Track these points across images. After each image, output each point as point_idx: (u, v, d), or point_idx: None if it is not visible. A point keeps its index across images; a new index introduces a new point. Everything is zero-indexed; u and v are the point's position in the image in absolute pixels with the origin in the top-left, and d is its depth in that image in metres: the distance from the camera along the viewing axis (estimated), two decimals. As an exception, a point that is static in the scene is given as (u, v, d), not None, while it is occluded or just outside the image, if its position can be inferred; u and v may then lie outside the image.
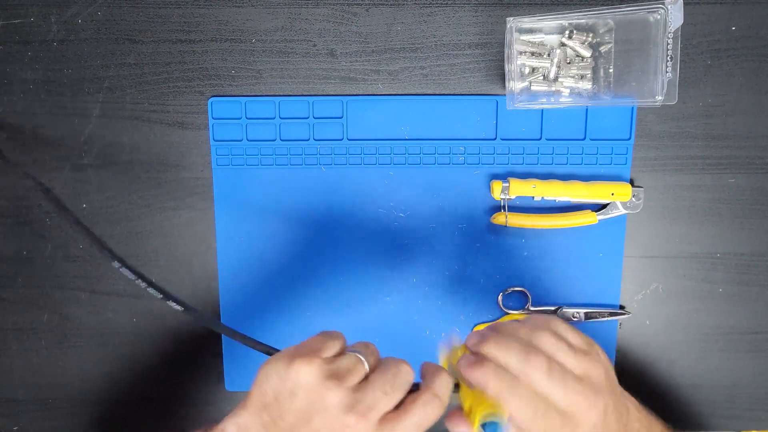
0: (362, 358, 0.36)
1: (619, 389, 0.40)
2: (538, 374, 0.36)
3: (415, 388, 0.37)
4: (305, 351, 0.35)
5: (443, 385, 0.36)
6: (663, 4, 0.47)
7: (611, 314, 0.55)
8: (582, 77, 0.51)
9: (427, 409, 0.35)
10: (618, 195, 0.53)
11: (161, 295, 0.40)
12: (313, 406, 0.34)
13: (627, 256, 0.55)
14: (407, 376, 0.36)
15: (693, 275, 0.56)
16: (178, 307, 0.40)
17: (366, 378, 0.35)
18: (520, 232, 0.55)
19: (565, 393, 0.36)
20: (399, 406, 0.35)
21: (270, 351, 0.38)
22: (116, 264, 0.40)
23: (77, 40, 0.53)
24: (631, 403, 0.41)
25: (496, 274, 0.55)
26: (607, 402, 0.37)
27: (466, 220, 0.55)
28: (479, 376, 0.36)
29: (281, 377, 0.34)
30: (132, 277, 0.40)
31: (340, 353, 0.36)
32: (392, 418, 0.34)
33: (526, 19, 0.49)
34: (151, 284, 0.40)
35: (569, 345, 0.38)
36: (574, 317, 0.55)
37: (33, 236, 0.55)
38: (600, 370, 0.38)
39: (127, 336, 0.57)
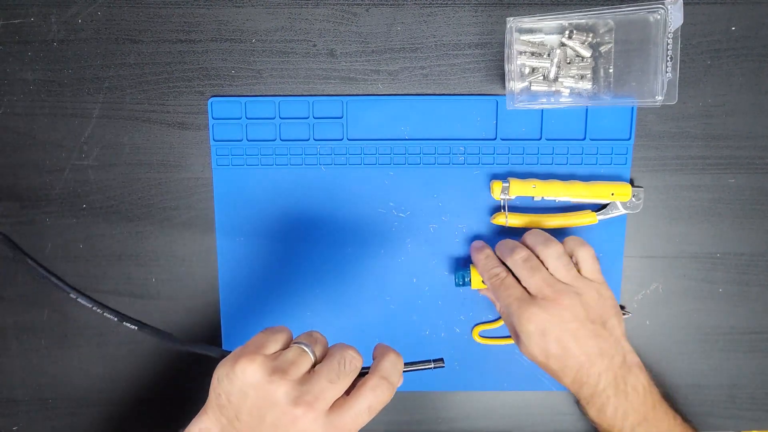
0: (306, 349, 0.36)
1: (623, 338, 0.47)
2: (515, 259, 0.48)
3: (366, 372, 0.37)
4: (248, 349, 0.35)
5: (391, 366, 0.37)
6: (663, 4, 0.47)
7: (611, 314, 0.55)
8: (582, 77, 0.51)
9: (376, 392, 0.35)
10: (618, 195, 0.53)
11: (116, 319, 0.41)
12: (263, 402, 0.34)
13: (627, 256, 0.55)
14: (353, 361, 0.36)
15: (693, 275, 0.56)
16: (134, 327, 0.41)
17: (314, 368, 0.36)
18: (520, 232, 0.55)
19: (532, 278, 0.46)
20: (349, 392, 0.36)
21: (223, 354, 0.38)
22: (73, 295, 0.41)
23: (77, 40, 0.53)
24: (633, 360, 0.46)
25: (496, 274, 0.55)
26: (583, 314, 0.45)
27: (466, 220, 0.55)
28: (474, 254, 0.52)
29: (229, 379, 0.35)
30: (90, 304, 0.41)
31: (285, 347, 0.37)
32: (341, 404, 0.35)
33: (526, 19, 0.49)
34: (105, 307, 0.41)
35: (572, 263, 0.48)
36: (574, 317, 0.55)
37: (33, 236, 0.55)
38: (590, 290, 0.46)
39: (127, 336, 0.57)
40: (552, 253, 0.47)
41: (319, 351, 0.37)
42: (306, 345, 0.37)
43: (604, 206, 0.54)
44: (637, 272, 0.56)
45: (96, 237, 0.55)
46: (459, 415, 0.58)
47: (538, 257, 0.48)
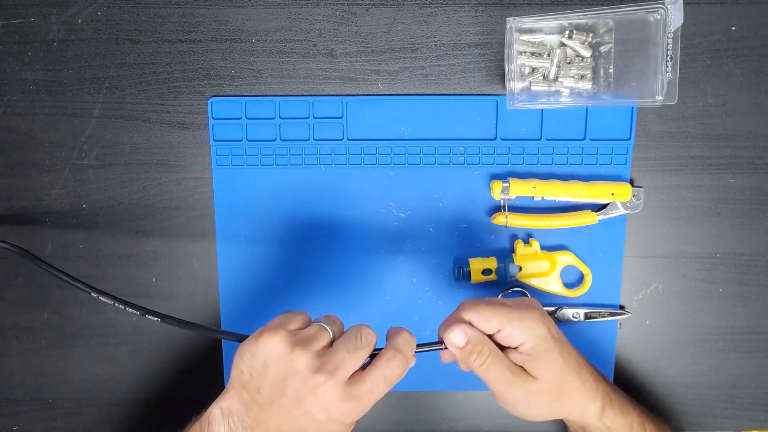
0: (326, 326, 0.38)
1: (579, 357, 0.45)
2: (473, 364, 0.42)
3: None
4: (270, 326, 0.37)
5: (404, 342, 0.39)
6: (663, 4, 0.47)
7: (611, 314, 0.55)
8: (582, 77, 0.51)
9: (391, 364, 0.37)
10: (618, 195, 0.53)
11: (138, 312, 0.43)
12: (285, 373, 0.36)
13: (627, 256, 0.55)
14: (368, 336, 0.38)
15: (693, 275, 0.56)
16: (156, 319, 0.43)
17: (331, 344, 0.38)
18: (521, 231, 0.55)
19: (494, 365, 0.42)
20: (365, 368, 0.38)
21: (244, 338, 0.40)
22: (94, 294, 0.43)
23: (77, 40, 0.53)
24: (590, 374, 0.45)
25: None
26: (557, 342, 0.43)
27: (466, 220, 0.55)
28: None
29: (252, 353, 0.36)
30: (111, 301, 0.43)
31: (305, 327, 0.39)
32: (358, 376, 0.37)
33: (526, 19, 0.49)
34: (127, 303, 0.43)
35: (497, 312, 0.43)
36: (574, 317, 0.55)
37: (33, 236, 0.55)
38: (537, 318, 0.43)
39: (127, 336, 0.57)
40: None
41: (336, 330, 0.39)
42: (325, 323, 0.39)
43: (604, 206, 0.54)
44: (637, 272, 0.56)
45: (96, 237, 0.55)
46: (459, 415, 0.58)
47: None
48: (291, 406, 0.36)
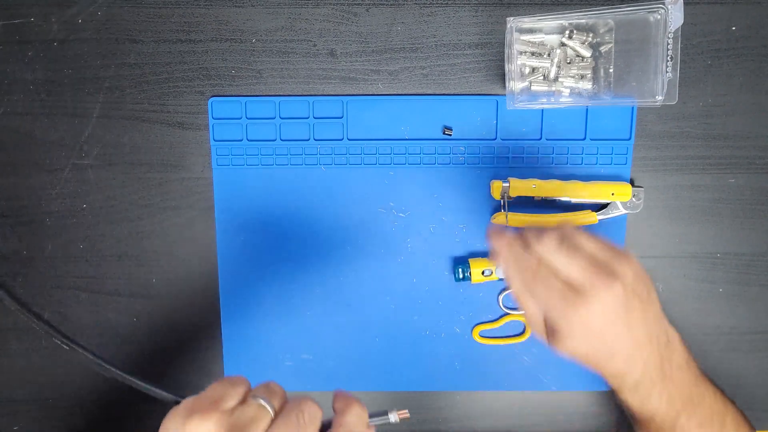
0: (265, 404, 0.34)
1: (661, 313, 0.41)
2: (547, 245, 0.39)
3: (329, 425, 0.35)
4: (203, 404, 0.33)
5: (357, 419, 0.34)
6: (663, 4, 0.47)
7: (611, 314, 0.55)
8: (582, 77, 0.51)
9: None
10: (618, 195, 0.53)
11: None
12: None
13: (627, 256, 0.55)
14: (311, 416, 0.34)
15: (693, 275, 0.56)
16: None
17: (272, 423, 0.33)
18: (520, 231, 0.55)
19: (572, 264, 0.38)
20: None
21: (176, 401, 0.36)
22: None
23: (77, 40, 0.53)
24: (674, 335, 0.42)
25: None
26: (631, 297, 0.38)
27: (466, 220, 0.55)
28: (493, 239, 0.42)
29: None
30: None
31: (243, 400, 0.34)
32: None
33: (526, 19, 0.49)
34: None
35: (599, 241, 0.40)
36: (574, 317, 0.55)
37: (33, 236, 0.55)
38: (627, 269, 0.39)
39: (127, 336, 0.57)
40: (583, 234, 0.40)
41: (277, 404, 0.35)
42: (265, 399, 0.34)
43: (604, 206, 0.54)
44: (637, 272, 0.56)
45: (96, 237, 0.55)
46: (459, 415, 0.58)
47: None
48: None
